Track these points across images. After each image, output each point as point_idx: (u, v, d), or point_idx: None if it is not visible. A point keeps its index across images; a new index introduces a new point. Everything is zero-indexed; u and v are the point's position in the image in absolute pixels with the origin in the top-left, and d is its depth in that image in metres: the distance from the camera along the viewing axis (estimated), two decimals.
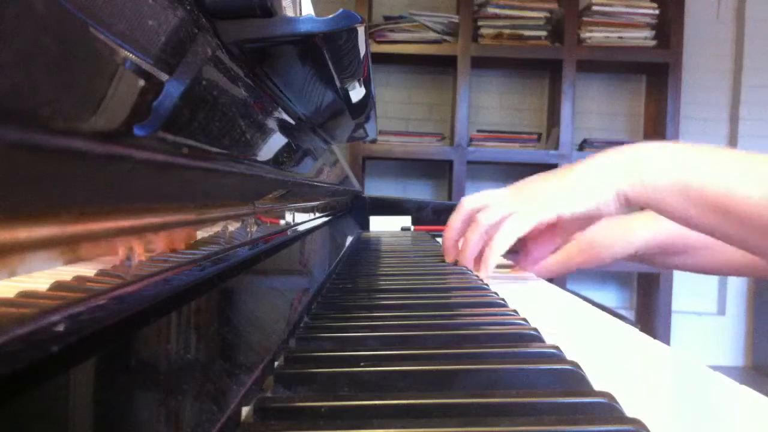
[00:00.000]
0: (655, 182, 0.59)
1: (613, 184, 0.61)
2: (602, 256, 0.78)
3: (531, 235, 0.69)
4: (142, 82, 0.18)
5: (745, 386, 0.30)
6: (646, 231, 0.78)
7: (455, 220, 0.72)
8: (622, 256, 0.80)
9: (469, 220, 0.70)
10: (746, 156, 0.57)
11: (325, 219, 0.75)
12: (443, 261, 0.75)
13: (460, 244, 0.72)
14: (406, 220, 1.38)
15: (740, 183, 0.55)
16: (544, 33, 2.44)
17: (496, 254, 0.64)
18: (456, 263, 0.72)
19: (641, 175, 0.60)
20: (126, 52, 0.18)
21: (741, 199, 0.54)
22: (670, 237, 0.78)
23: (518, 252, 0.75)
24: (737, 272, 0.82)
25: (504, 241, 0.64)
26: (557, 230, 0.70)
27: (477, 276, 0.65)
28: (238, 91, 0.32)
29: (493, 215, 0.66)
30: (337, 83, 0.50)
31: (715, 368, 0.33)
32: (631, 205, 0.62)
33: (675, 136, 2.45)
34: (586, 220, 0.67)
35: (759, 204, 0.53)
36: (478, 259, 0.67)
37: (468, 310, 0.47)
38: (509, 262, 0.81)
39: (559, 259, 0.77)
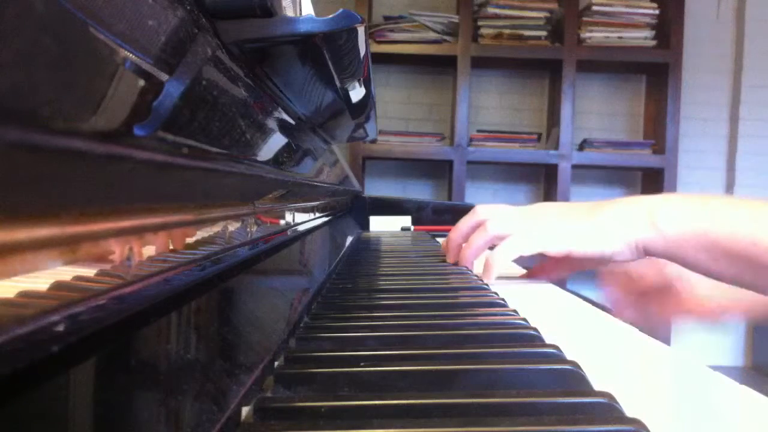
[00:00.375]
0: (675, 234, 0.59)
1: (632, 234, 0.61)
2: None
3: (540, 259, 0.69)
4: (142, 82, 0.18)
5: (745, 386, 0.30)
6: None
7: (465, 223, 0.73)
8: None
9: (477, 227, 0.70)
10: (766, 203, 0.57)
11: (325, 219, 0.75)
12: (443, 261, 0.75)
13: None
14: (406, 220, 1.38)
15: (765, 232, 0.55)
16: (544, 33, 2.44)
17: (498, 263, 0.64)
18: (456, 264, 0.72)
19: (661, 227, 0.60)
20: (126, 52, 0.18)
21: (766, 248, 0.54)
22: None
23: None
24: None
25: (507, 252, 0.64)
26: (567, 262, 0.70)
27: (477, 276, 0.65)
28: (238, 91, 0.32)
29: (504, 228, 0.66)
30: (337, 83, 0.50)
31: (715, 368, 0.33)
32: (649, 255, 0.62)
33: (675, 136, 2.46)
34: (596, 262, 0.67)
35: None
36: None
37: (468, 310, 0.47)
38: (522, 270, 0.81)
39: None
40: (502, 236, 0.66)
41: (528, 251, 0.65)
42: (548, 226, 0.65)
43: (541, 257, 0.69)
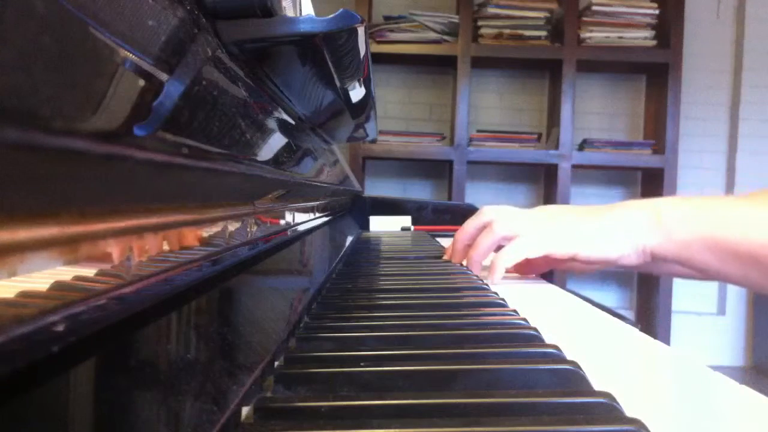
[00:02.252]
0: (683, 237, 0.59)
1: (639, 238, 0.61)
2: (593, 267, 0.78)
3: (542, 261, 0.69)
4: (142, 82, 0.18)
5: (745, 386, 0.30)
6: None
7: (471, 224, 0.73)
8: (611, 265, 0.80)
9: (484, 228, 0.70)
10: None
11: (325, 219, 0.75)
12: (444, 261, 0.75)
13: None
14: (406, 220, 1.38)
15: None
16: (544, 33, 2.44)
17: (503, 265, 0.64)
18: (462, 264, 0.72)
19: (668, 230, 0.60)
20: (126, 52, 0.18)
21: None
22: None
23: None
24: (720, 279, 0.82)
25: (513, 254, 0.64)
26: (572, 263, 0.70)
27: (477, 276, 0.65)
28: (238, 91, 0.32)
29: (511, 230, 0.66)
30: (337, 83, 0.50)
31: (715, 368, 0.33)
32: (656, 260, 0.62)
33: (675, 136, 2.46)
34: (600, 264, 0.67)
35: None
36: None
37: (468, 310, 0.47)
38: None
39: None
40: (508, 237, 0.66)
41: (534, 253, 0.65)
42: (554, 229, 0.65)
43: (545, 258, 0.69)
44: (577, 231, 0.64)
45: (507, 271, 0.75)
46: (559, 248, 0.64)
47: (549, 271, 0.77)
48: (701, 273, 0.61)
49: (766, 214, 0.56)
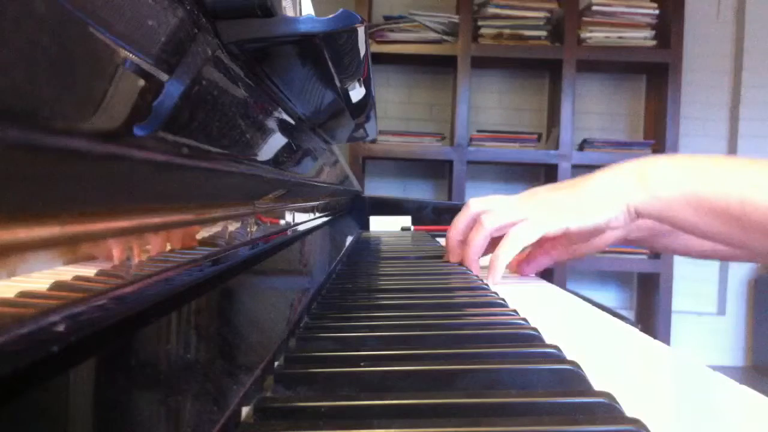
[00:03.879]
0: (666, 195, 0.59)
1: (624, 198, 0.61)
2: (595, 243, 0.78)
3: (534, 245, 0.69)
4: (142, 82, 0.18)
5: (745, 386, 0.30)
6: None
7: (460, 220, 0.72)
8: (614, 240, 0.80)
9: (474, 222, 0.70)
10: (757, 163, 0.57)
11: (325, 219, 0.75)
12: (444, 261, 0.75)
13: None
14: (406, 220, 1.38)
15: (753, 191, 0.55)
16: (544, 33, 2.44)
17: (503, 262, 0.64)
18: (460, 264, 0.72)
19: (652, 189, 0.60)
20: (126, 52, 0.18)
21: (755, 207, 0.54)
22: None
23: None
24: (718, 257, 0.82)
25: (511, 248, 0.64)
26: (560, 242, 0.70)
27: (477, 276, 0.65)
28: (238, 91, 0.32)
29: (499, 220, 0.66)
30: (337, 83, 0.50)
31: (715, 368, 0.33)
32: (641, 218, 0.62)
33: (675, 136, 2.45)
34: (593, 234, 0.67)
35: None
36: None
37: (468, 310, 0.47)
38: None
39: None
40: (499, 228, 0.66)
41: (528, 240, 0.64)
42: (542, 209, 0.65)
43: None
44: (563, 204, 0.64)
45: (510, 271, 0.75)
46: (551, 226, 0.64)
47: (548, 270, 0.76)
48: (686, 231, 0.62)
49: (746, 172, 0.56)
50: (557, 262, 0.76)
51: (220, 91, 0.28)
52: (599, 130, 2.69)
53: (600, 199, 0.62)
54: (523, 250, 0.68)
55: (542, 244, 0.71)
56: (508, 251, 0.64)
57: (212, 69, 0.28)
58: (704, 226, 0.59)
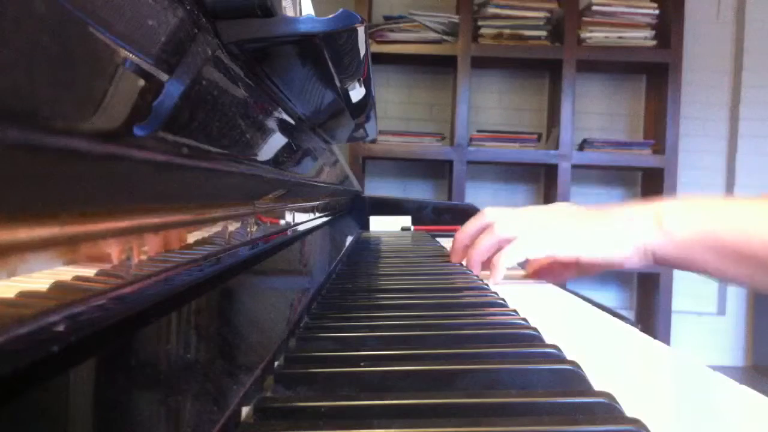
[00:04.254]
0: (684, 237, 0.59)
1: (639, 240, 0.61)
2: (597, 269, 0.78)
3: (546, 263, 0.69)
4: (142, 82, 0.18)
5: (745, 386, 0.30)
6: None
7: (472, 225, 0.72)
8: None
9: (484, 229, 0.70)
10: None
11: (325, 219, 0.75)
12: (444, 261, 0.75)
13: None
14: (406, 220, 1.38)
15: None
16: (544, 33, 2.44)
17: (506, 263, 0.64)
18: (461, 264, 0.72)
19: (669, 232, 0.59)
20: (126, 52, 0.18)
21: None
22: None
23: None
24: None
25: (516, 252, 0.64)
26: (569, 269, 0.70)
27: (477, 276, 0.65)
28: (238, 91, 0.32)
29: (511, 230, 0.66)
30: (337, 83, 0.50)
31: (715, 368, 0.33)
32: (658, 262, 0.62)
33: (675, 136, 2.45)
34: (602, 267, 0.67)
35: None
36: (486, 264, 0.67)
37: (468, 310, 0.47)
38: (521, 271, 0.80)
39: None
40: (509, 239, 0.66)
41: (535, 254, 0.64)
42: (557, 231, 0.65)
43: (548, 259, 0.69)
44: (579, 233, 0.64)
45: (525, 276, 0.75)
46: (562, 250, 0.63)
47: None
48: (705, 273, 0.61)
49: (765, 212, 0.56)
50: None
51: (220, 91, 0.28)
52: (599, 130, 2.69)
53: (617, 238, 0.62)
54: (527, 269, 0.68)
55: (552, 267, 0.71)
56: (512, 254, 0.64)
57: (212, 69, 0.28)
58: (724, 268, 0.58)
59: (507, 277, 0.72)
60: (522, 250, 0.64)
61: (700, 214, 0.59)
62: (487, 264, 0.68)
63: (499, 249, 0.67)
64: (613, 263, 0.63)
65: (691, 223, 0.59)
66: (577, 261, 0.64)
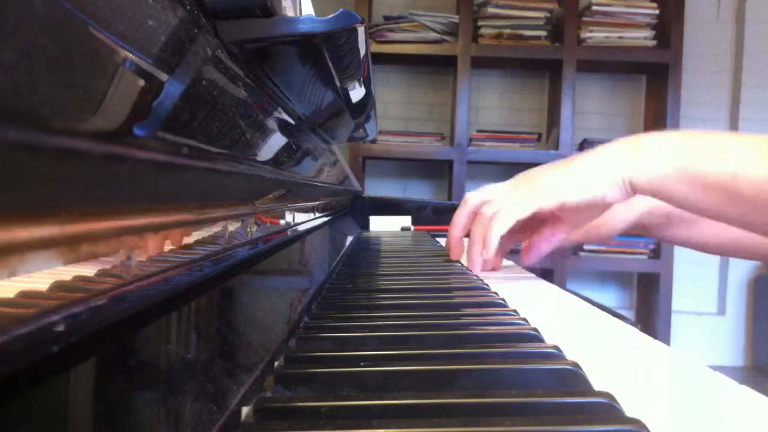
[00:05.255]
0: (660, 170, 0.59)
1: (618, 171, 0.61)
2: (603, 230, 0.78)
3: (534, 228, 0.68)
4: (142, 82, 0.18)
5: (745, 386, 0.30)
6: (648, 200, 0.77)
7: (460, 216, 0.72)
8: (624, 226, 0.79)
9: (474, 215, 0.69)
10: (748, 138, 0.57)
11: (325, 219, 0.75)
12: (444, 261, 0.75)
13: (465, 242, 0.71)
14: (406, 220, 1.38)
15: (745, 165, 0.55)
16: (544, 33, 2.44)
17: (496, 233, 0.63)
18: (460, 263, 0.72)
19: (646, 164, 0.60)
20: (126, 52, 0.18)
21: (747, 181, 0.54)
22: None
23: (519, 251, 0.75)
24: (739, 252, 0.81)
25: (503, 219, 0.64)
26: (561, 223, 0.69)
27: (477, 276, 0.65)
28: (238, 91, 0.32)
29: (497, 205, 0.66)
30: (337, 83, 0.50)
31: (715, 368, 0.33)
32: (637, 193, 0.62)
33: None
34: (591, 211, 0.67)
35: (765, 184, 0.53)
36: (488, 261, 0.67)
37: (468, 310, 0.47)
38: (526, 272, 0.79)
39: None
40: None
41: (522, 213, 0.64)
42: (537, 184, 0.65)
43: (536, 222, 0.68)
44: (557, 179, 0.64)
45: (524, 268, 0.75)
46: (546, 200, 0.63)
47: (548, 270, 0.76)
48: (681, 207, 0.61)
49: (738, 147, 0.56)
50: (561, 249, 0.75)
51: (220, 91, 0.28)
52: (599, 130, 2.69)
53: (594, 172, 0.62)
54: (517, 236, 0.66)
55: (541, 230, 0.71)
56: (501, 222, 0.63)
57: (212, 69, 0.28)
58: (697, 200, 0.58)
59: (507, 277, 0.72)
60: (508, 216, 0.64)
61: (675, 146, 0.59)
62: (488, 261, 0.68)
63: (518, 230, 0.66)
64: (597, 199, 0.63)
65: (667, 156, 0.59)
66: (563, 209, 0.64)
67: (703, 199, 0.58)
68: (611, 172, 0.61)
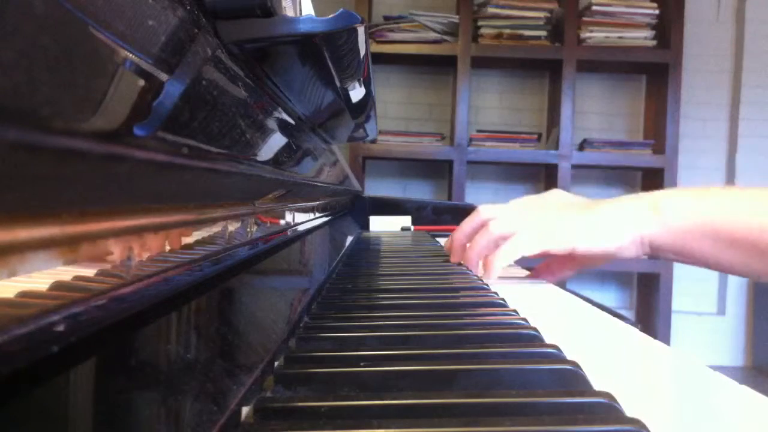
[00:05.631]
0: (681, 226, 0.58)
1: (636, 229, 0.60)
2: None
3: (543, 258, 0.69)
4: (142, 82, 0.18)
5: (745, 386, 0.30)
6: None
7: (468, 224, 0.72)
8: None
9: (481, 227, 0.70)
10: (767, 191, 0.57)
11: (325, 219, 0.75)
12: (444, 261, 0.75)
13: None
14: (406, 220, 1.38)
15: None
16: (544, 33, 2.44)
17: (500, 262, 0.64)
18: (459, 264, 0.72)
19: (666, 220, 0.59)
20: (126, 52, 0.18)
21: None
22: None
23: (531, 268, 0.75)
24: (751, 276, 0.81)
25: (511, 251, 0.64)
26: (566, 264, 0.70)
27: (477, 276, 0.65)
28: (238, 91, 0.32)
29: (506, 227, 0.66)
30: (337, 83, 0.50)
31: (715, 368, 0.33)
32: (655, 252, 0.62)
33: (675, 136, 2.46)
34: (599, 259, 0.67)
35: None
36: (484, 262, 0.67)
37: (468, 310, 0.47)
38: (525, 272, 0.80)
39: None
40: (505, 236, 0.66)
41: (530, 251, 0.64)
42: (551, 224, 0.64)
43: (545, 257, 0.69)
44: (574, 224, 0.63)
45: (530, 276, 0.75)
46: (557, 244, 0.63)
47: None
48: (701, 263, 0.61)
49: (760, 200, 0.56)
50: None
51: (220, 91, 0.28)
52: (599, 130, 2.69)
53: (612, 227, 0.62)
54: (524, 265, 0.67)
55: (549, 264, 0.71)
56: (507, 253, 0.64)
57: (212, 69, 0.28)
58: (721, 256, 0.57)
59: (508, 277, 0.72)
60: (516, 249, 0.64)
61: (696, 202, 0.59)
62: (485, 263, 0.68)
63: (495, 247, 0.67)
64: (609, 253, 0.63)
65: (686, 211, 0.59)
66: (573, 252, 0.64)
67: (729, 256, 0.57)
68: (629, 231, 0.61)
